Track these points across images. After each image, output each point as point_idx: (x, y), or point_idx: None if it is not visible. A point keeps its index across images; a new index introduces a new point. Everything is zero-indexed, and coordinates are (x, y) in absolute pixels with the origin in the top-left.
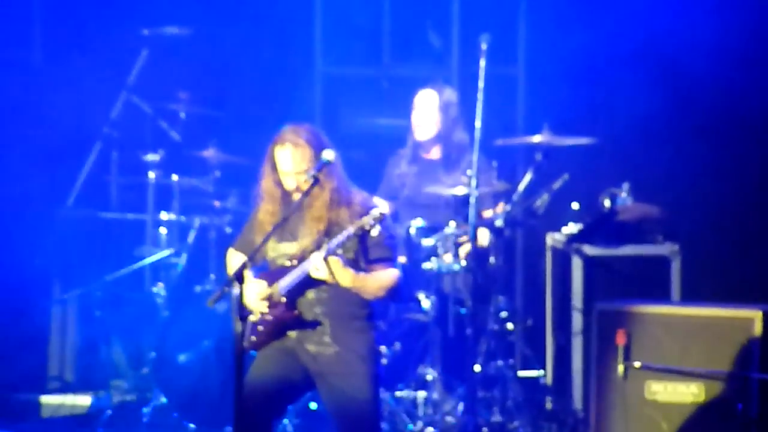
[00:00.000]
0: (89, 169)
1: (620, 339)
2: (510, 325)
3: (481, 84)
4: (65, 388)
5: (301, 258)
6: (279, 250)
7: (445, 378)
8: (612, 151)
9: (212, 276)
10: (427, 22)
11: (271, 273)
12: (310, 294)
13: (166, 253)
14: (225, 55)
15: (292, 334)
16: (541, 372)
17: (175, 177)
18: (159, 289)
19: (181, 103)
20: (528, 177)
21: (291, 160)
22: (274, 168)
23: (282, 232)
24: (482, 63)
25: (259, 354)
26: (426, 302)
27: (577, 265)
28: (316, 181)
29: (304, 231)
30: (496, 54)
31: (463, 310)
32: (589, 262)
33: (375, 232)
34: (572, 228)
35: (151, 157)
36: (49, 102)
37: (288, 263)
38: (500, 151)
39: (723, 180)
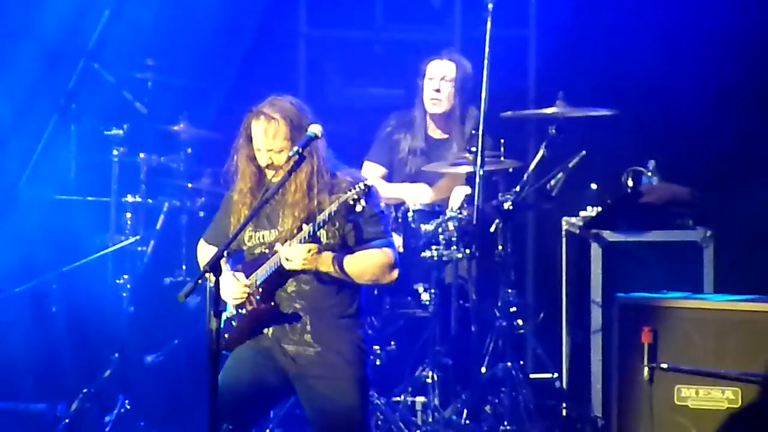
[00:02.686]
0: (44, 146)
1: (645, 337)
2: (520, 321)
3: (487, 49)
4: (17, 395)
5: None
6: (256, 239)
7: (447, 381)
8: (635, 124)
9: (183, 266)
10: None
11: (248, 264)
12: (290, 286)
13: (131, 240)
14: (196, 16)
15: (269, 331)
16: (556, 374)
17: (141, 155)
18: (123, 281)
19: (148, 71)
20: (540, 154)
21: (263, 135)
22: (249, 141)
23: (258, 218)
24: (488, 25)
25: (231, 355)
26: (425, 295)
27: (596, 254)
28: (301, 157)
29: (282, 216)
30: (504, 14)
31: (467, 305)
32: (610, 250)
33: (359, 207)
34: (591, 211)
35: (115, 132)
36: None
37: (267, 251)
38: (509, 124)
39: (761, 157)
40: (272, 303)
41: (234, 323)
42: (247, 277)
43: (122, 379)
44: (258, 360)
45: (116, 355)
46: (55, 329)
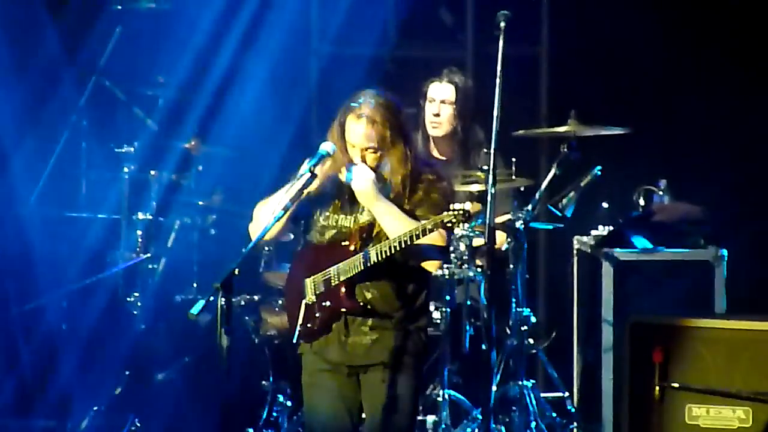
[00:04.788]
0: (55, 163)
1: (656, 356)
2: (531, 340)
3: (499, 67)
4: (27, 412)
5: (365, 240)
6: (333, 220)
7: (458, 400)
8: (647, 143)
9: (194, 284)
10: None
11: (315, 247)
12: (366, 276)
13: (142, 258)
14: (207, 33)
15: (339, 325)
16: (567, 393)
17: (152, 172)
18: (134, 299)
19: (159, 88)
20: (552, 172)
21: (364, 136)
22: (342, 136)
23: (342, 203)
24: (501, 43)
25: (314, 389)
26: (436, 314)
27: (607, 272)
28: (313, 176)
29: (360, 207)
30: (516, 32)
31: (478, 323)
32: (622, 269)
33: (457, 230)
34: (602, 230)
35: (126, 150)
36: (7, 86)
37: (346, 243)
38: (521, 143)
39: None
40: (360, 302)
41: (317, 314)
42: (321, 262)
43: (133, 397)
44: (335, 387)
45: (127, 372)
46: (66, 347)
